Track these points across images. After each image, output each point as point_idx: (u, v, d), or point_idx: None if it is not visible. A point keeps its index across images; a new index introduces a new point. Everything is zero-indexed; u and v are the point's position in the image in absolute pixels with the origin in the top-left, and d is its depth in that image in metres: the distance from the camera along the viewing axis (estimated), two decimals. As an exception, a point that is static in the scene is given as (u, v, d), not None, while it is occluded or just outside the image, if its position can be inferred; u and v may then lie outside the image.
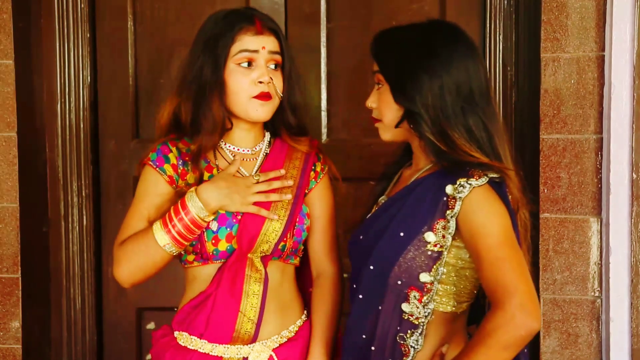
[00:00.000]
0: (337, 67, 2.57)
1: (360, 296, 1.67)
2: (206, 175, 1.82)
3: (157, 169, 1.79)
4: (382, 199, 1.77)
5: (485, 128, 1.62)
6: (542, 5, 2.17)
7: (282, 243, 1.80)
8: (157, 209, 1.78)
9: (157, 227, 1.72)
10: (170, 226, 1.71)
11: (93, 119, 2.62)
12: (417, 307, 1.61)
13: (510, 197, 1.62)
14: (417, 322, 1.62)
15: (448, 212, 1.57)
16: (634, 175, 2.11)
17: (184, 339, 1.82)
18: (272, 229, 1.78)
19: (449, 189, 1.58)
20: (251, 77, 1.77)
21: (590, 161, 2.17)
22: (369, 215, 1.75)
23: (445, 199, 1.58)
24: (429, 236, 1.58)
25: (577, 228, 2.18)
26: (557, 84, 2.17)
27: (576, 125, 2.17)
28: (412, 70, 1.62)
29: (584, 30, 2.15)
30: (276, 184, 1.79)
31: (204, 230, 1.77)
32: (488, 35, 2.42)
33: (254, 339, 1.79)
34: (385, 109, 1.69)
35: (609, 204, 2.13)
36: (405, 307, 1.62)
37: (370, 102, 1.74)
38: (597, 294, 2.19)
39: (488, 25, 2.42)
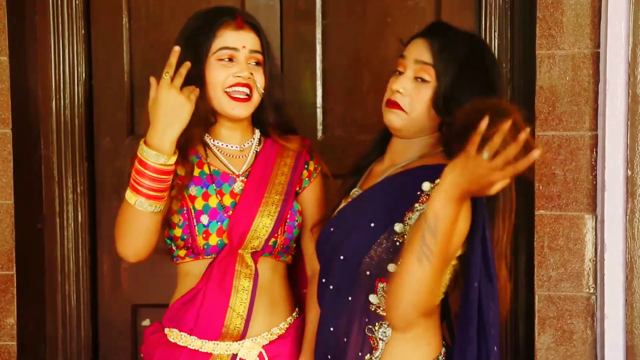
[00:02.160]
0: (332, 64, 2.57)
1: (331, 287, 1.68)
2: (197, 171, 1.82)
3: None
4: (355, 192, 1.76)
5: None
6: (537, 2, 2.17)
7: (272, 239, 1.81)
8: None
9: (129, 194, 1.69)
10: (138, 188, 1.67)
11: (88, 115, 2.62)
12: (385, 298, 1.61)
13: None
14: (384, 314, 1.62)
15: (417, 205, 1.59)
16: (629, 172, 2.11)
17: (174, 335, 1.82)
18: (263, 225, 1.78)
19: (425, 186, 1.59)
20: (231, 71, 1.77)
21: (585, 158, 2.17)
22: (340, 208, 1.75)
23: (419, 193, 1.59)
24: (398, 227, 1.60)
25: (572, 225, 2.19)
26: (552, 81, 2.17)
27: (571, 122, 2.17)
28: (464, 87, 1.60)
29: (579, 27, 2.15)
30: None
31: (195, 224, 1.77)
32: (483, 32, 2.42)
33: (243, 335, 1.79)
34: (422, 106, 1.64)
35: (604, 201, 2.13)
36: (372, 298, 1.62)
37: (402, 88, 1.65)
38: (591, 291, 2.20)
39: (483, 22, 2.42)
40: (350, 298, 1.64)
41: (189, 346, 1.79)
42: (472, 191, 1.39)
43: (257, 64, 1.80)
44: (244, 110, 1.79)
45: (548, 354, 2.22)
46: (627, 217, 2.12)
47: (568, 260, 2.20)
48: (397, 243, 1.60)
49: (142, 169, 1.66)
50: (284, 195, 1.82)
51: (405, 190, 1.61)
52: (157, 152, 1.65)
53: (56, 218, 2.59)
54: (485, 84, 1.63)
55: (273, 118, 1.87)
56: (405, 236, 1.59)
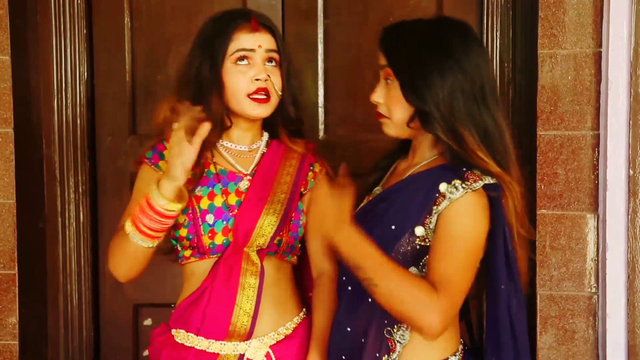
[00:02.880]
0: (334, 64, 2.57)
1: (350, 288, 1.68)
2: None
3: (153, 166, 1.81)
4: (377, 190, 1.77)
5: (499, 131, 1.62)
6: (539, 1, 2.17)
7: (277, 237, 1.81)
8: None
9: (128, 224, 1.71)
10: (138, 223, 1.68)
11: (90, 115, 2.62)
12: None
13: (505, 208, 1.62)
14: None
15: (434, 207, 1.58)
16: (631, 172, 2.11)
17: (180, 336, 1.82)
18: (268, 223, 1.79)
19: (442, 186, 1.58)
20: (248, 75, 1.78)
21: (587, 158, 2.17)
22: (362, 205, 1.75)
23: (437, 195, 1.59)
24: (419, 230, 1.60)
25: (574, 224, 2.19)
26: (554, 80, 2.17)
27: (573, 121, 2.17)
28: (424, 68, 1.60)
29: (581, 27, 2.15)
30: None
31: (201, 224, 1.77)
32: (485, 31, 2.42)
33: (250, 334, 1.79)
34: (394, 106, 1.66)
35: (606, 201, 2.13)
36: None
37: (377, 97, 1.70)
38: (593, 290, 2.20)
39: (485, 21, 2.42)
40: (370, 300, 1.63)
41: (195, 347, 1.79)
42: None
43: (274, 64, 1.82)
44: (264, 110, 1.81)
45: (550, 353, 2.22)
46: (629, 216, 2.12)
47: (570, 259, 2.20)
48: (418, 247, 1.60)
49: (147, 208, 1.67)
50: (289, 194, 1.84)
51: (425, 191, 1.60)
52: (165, 197, 1.65)
53: (58, 217, 2.59)
54: (449, 59, 1.60)
55: (294, 113, 1.88)
56: (426, 239, 1.60)
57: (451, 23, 1.68)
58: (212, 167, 1.83)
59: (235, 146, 1.87)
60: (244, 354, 1.78)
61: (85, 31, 2.58)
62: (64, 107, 2.57)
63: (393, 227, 1.61)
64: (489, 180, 1.59)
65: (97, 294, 2.67)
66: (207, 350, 1.79)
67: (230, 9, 1.89)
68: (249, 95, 1.78)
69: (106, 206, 2.64)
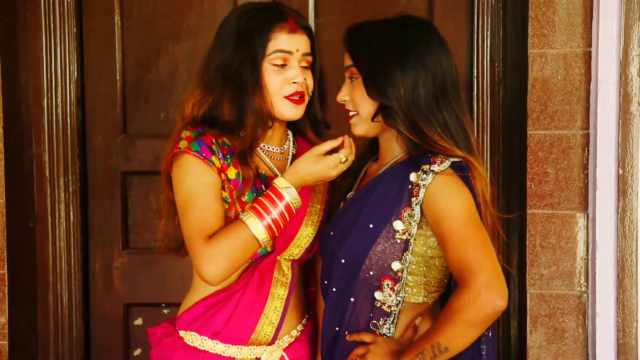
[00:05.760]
0: (325, 63, 2.53)
1: (334, 289, 1.68)
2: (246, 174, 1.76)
3: (206, 160, 1.68)
4: (351, 194, 1.78)
5: (460, 124, 1.65)
6: (530, 1, 2.18)
7: (311, 248, 1.79)
8: (219, 200, 1.70)
9: (252, 220, 1.65)
10: (266, 217, 1.64)
11: (80, 114, 2.61)
12: (390, 295, 1.63)
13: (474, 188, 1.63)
14: (389, 310, 1.64)
15: (413, 199, 1.60)
16: (620, 171, 2.12)
17: (192, 339, 1.76)
18: (306, 234, 1.78)
19: (412, 176, 1.60)
20: (285, 76, 1.74)
21: (577, 157, 2.18)
22: (338, 210, 1.77)
23: (410, 186, 1.60)
24: (397, 224, 1.61)
25: (564, 223, 2.20)
26: (544, 79, 2.18)
27: (563, 121, 2.18)
28: (385, 63, 1.64)
29: (571, 26, 2.16)
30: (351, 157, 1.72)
31: None
32: (476, 31, 2.43)
33: (270, 343, 1.76)
34: (360, 101, 1.69)
35: (596, 200, 2.14)
36: (378, 295, 1.64)
37: (342, 96, 1.72)
38: (583, 289, 2.20)
39: (476, 20, 2.43)
40: (352, 299, 1.65)
41: (210, 351, 1.74)
42: None
43: (306, 66, 1.79)
44: (299, 111, 1.78)
45: (540, 352, 2.22)
46: (619, 215, 2.13)
47: (560, 258, 2.20)
48: (398, 241, 1.61)
49: (278, 201, 1.67)
50: (324, 204, 1.82)
51: (397, 185, 1.62)
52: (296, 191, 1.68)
53: (48, 217, 2.58)
54: (410, 54, 1.64)
55: (321, 115, 1.87)
56: (408, 234, 1.60)
57: (413, 21, 1.72)
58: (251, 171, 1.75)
59: (269, 147, 1.82)
60: (260, 358, 1.75)
61: (75, 30, 2.57)
62: (54, 106, 2.56)
63: (371, 225, 1.62)
64: (455, 158, 1.61)
65: (88, 294, 2.66)
66: (222, 354, 1.73)
67: (261, 3, 1.80)
68: (285, 97, 1.74)
69: (96, 206, 2.63)
